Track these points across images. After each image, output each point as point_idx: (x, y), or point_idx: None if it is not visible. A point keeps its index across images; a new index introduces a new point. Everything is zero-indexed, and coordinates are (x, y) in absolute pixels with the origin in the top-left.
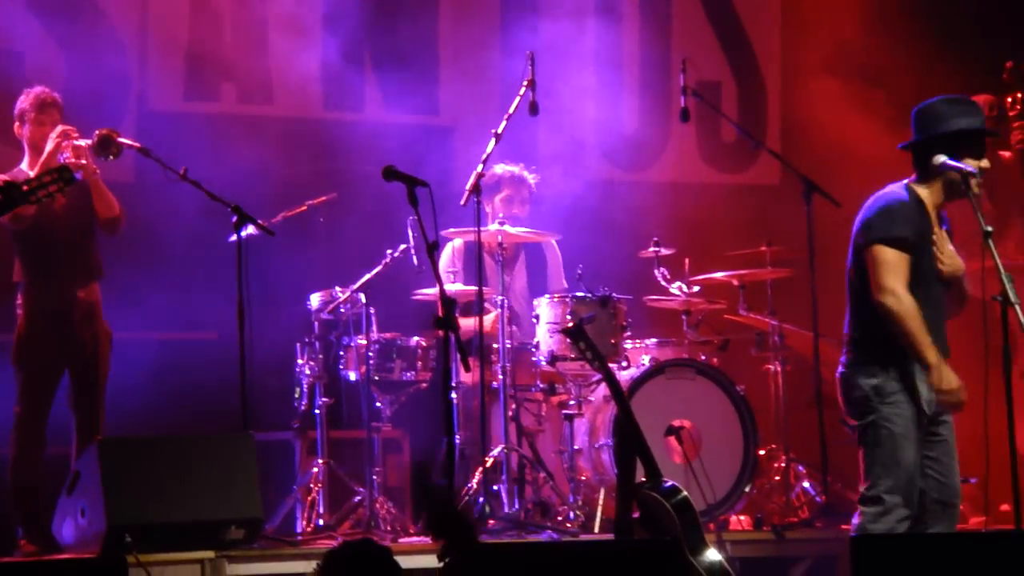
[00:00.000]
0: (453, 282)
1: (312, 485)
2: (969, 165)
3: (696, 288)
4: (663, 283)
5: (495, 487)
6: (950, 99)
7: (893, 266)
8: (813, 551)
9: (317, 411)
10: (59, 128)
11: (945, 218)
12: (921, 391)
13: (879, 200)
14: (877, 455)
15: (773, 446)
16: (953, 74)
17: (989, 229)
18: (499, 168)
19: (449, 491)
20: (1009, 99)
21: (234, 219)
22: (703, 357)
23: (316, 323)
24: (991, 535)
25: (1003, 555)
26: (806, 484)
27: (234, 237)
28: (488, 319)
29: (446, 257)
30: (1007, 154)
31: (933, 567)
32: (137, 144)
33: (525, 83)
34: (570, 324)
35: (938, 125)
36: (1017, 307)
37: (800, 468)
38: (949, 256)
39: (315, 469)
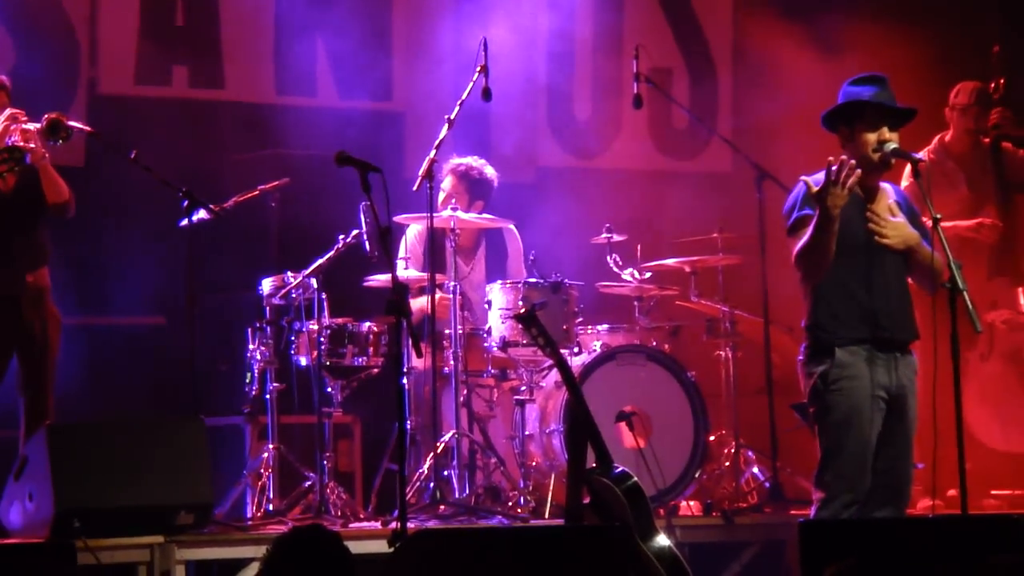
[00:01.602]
0: (407, 268)
1: (262, 470)
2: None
3: (648, 274)
4: (615, 269)
5: (446, 472)
6: (857, 76)
7: (797, 239)
8: (762, 536)
9: (268, 396)
10: (7, 111)
11: (896, 191)
12: (866, 372)
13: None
14: (824, 442)
15: (723, 432)
16: (935, 59)
17: (938, 216)
18: (451, 161)
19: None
20: (993, 84)
21: (185, 204)
22: (654, 343)
23: (267, 308)
24: (939, 520)
25: (950, 540)
26: (755, 470)
27: (185, 221)
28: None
29: (403, 243)
30: (986, 140)
31: (881, 552)
32: (87, 128)
33: (478, 69)
34: (522, 310)
35: (838, 100)
36: (965, 294)
37: (750, 454)
38: (892, 228)
39: (265, 454)
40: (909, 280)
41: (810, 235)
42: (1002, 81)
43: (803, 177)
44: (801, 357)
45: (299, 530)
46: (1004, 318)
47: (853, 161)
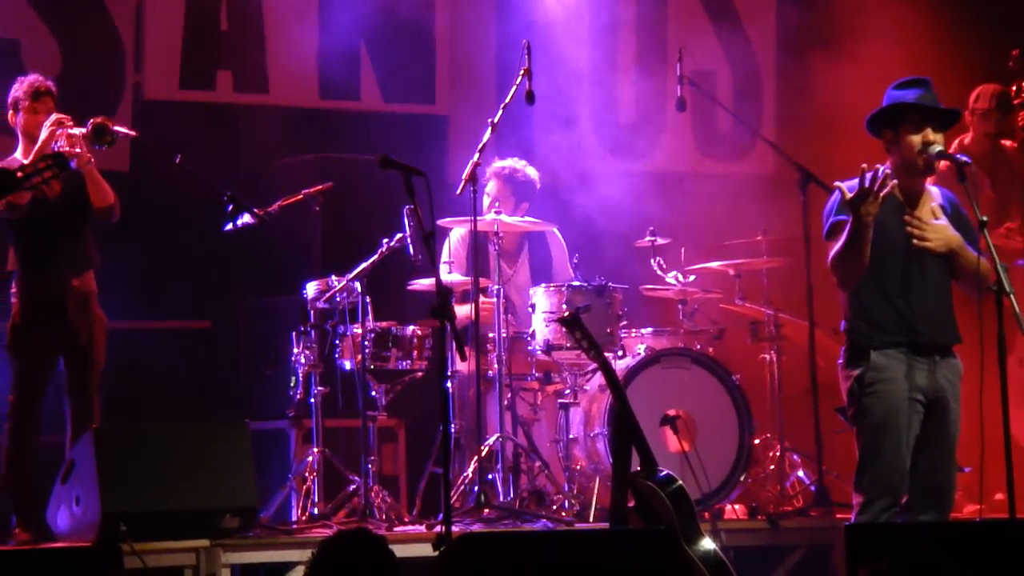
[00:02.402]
0: (451, 272)
1: (307, 474)
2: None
3: (692, 277)
4: (659, 272)
5: (490, 476)
6: (901, 81)
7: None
8: (807, 540)
9: (312, 400)
10: (53, 116)
11: (943, 195)
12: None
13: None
14: (861, 445)
15: (768, 435)
16: (959, 62)
17: (984, 219)
18: (495, 163)
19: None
20: (1014, 87)
21: (229, 208)
22: (699, 346)
23: (312, 312)
24: (985, 524)
25: (997, 544)
26: (800, 473)
27: (230, 226)
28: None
29: (446, 246)
30: (1009, 142)
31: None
32: (132, 132)
33: (522, 72)
34: (566, 313)
35: (882, 104)
36: (1012, 296)
37: (795, 457)
38: (933, 231)
39: (310, 458)
40: (954, 284)
41: (844, 242)
42: (1023, 83)
43: (837, 183)
44: (840, 360)
45: (344, 534)
46: None
47: (888, 169)
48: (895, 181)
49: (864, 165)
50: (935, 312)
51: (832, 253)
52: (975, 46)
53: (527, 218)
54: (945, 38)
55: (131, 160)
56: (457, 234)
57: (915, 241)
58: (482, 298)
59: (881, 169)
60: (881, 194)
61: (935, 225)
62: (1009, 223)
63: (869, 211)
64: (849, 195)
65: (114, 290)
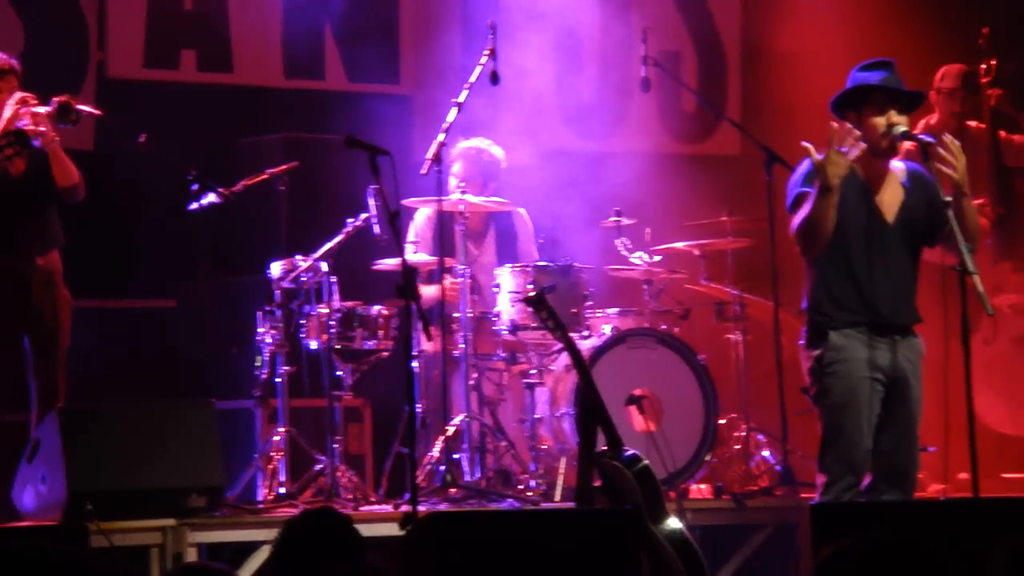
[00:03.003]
0: (417, 252)
1: (273, 453)
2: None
3: (657, 258)
4: (624, 252)
5: (456, 456)
6: (866, 62)
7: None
8: (772, 519)
9: (278, 380)
10: (17, 95)
11: (908, 169)
12: (862, 355)
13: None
14: (823, 425)
15: (734, 415)
16: (928, 41)
17: (949, 199)
18: (460, 143)
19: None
20: (984, 66)
21: (194, 187)
22: (664, 327)
23: (277, 292)
24: (949, 503)
25: (961, 523)
26: (766, 453)
27: (194, 205)
28: (447, 284)
29: (412, 227)
30: (975, 123)
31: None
32: (96, 111)
33: (486, 52)
34: (532, 293)
35: (847, 85)
36: (975, 277)
37: (760, 437)
38: (961, 159)
39: (276, 437)
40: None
41: (810, 205)
42: (993, 62)
43: (805, 143)
44: (802, 341)
45: (310, 513)
46: (1011, 302)
47: (851, 126)
48: (863, 145)
49: (834, 124)
50: (897, 292)
51: (797, 219)
52: (945, 25)
53: (493, 198)
54: (914, 17)
55: (95, 139)
56: (423, 214)
57: (940, 165)
58: (448, 278)
59: (849, 127)
60: (849, 150)
61: (964, 159)
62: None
63: (837, 171)
64: (817, 157)
65: (79, 269)
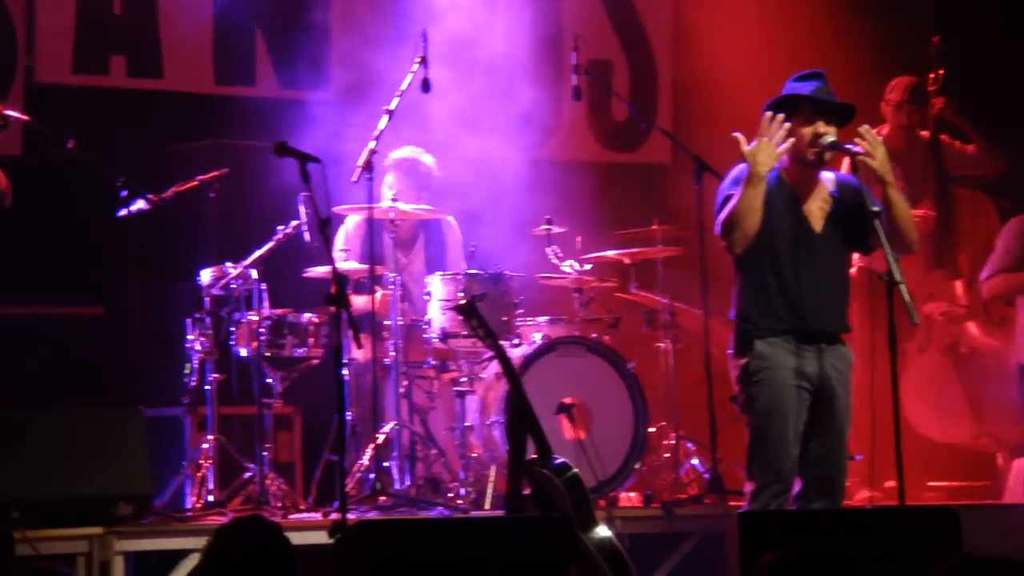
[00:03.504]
0: (347, 260)
1: (202, 461)
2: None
3: (588, 266)
4: (555, 261)
5: (386, 463)
6: (800, 73)
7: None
8: (701, 527)
9: (207, 387)
10: None
11: (837, 180)
12: (788, 363)
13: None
14: (750, 433)
15: (663, 423)
16: (874, 51)
17: (876, 209)
18: (393, 154)
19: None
20: (932, 75)
21: (123, 193)
22: (594, 335)
23: (207, 299)
24: (876, 511)
25: (888, 531)
26: (695, 461)
27: (124, 212)
28: (379, 297)
29: (342, 234)
30: (925, 133)
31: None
32: (24, 116)
33: (417, 60)
34: (462, 301)
35: (779, 95)
36: (903, 286)
37: (689, 445)
38: (880, 150)
39: (205, 445)
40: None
41: (738, 196)
42: (941, 72)
43: (736, 133)
44: (730, 350)
45: (239, 521)
46: (942, 310)
47: (783, 117)
48: (792, 140)
49: (768, 113)
50: (824, 302)
51: (724, 213)
52: (896, 36)
53: (423, 206)
54: (848, 27)
55: (23, 144)
56: (352, 221)
57: (862, 157)
58: (379, 289)
59: (778, 116)
60: (778, 140)
61: (883, 148)
62: (918, 211)
63: (766, 161)
64: (747, 147)
65: (5, 275)
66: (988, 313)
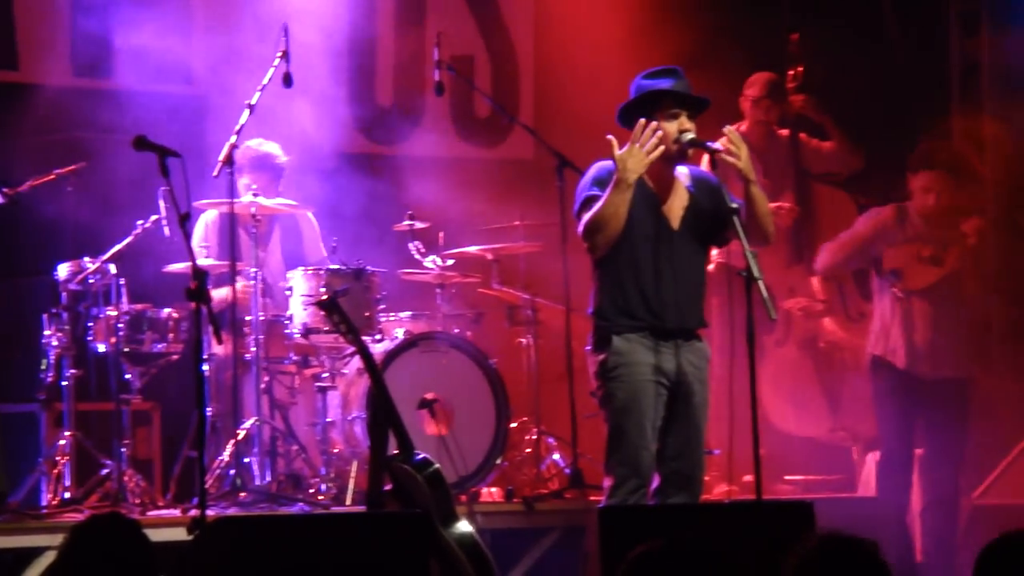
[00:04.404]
0: (206, 256)
1: (58, 458)
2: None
3: (450, 262)
4: (417, 256)
5: (246, 460)
6: (651, 70)
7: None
8: (562, 522)
9: (64, 383)
10: None
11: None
12: (645, 359)
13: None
14: (608, 428)
15: (524, 419)
16: (741, 48)
17: (735, 206)
18: (249, 144)
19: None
20: (791, 72)
21: None
22: (456, 330)
23: (64, 294)
24: (733, 505)
25: (745, 525)
26: (556, 456)
27: None
28: (239, 287)
29: (199, 230)
30: (784, 131)
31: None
32: None
33: (279, 54)
34: (324, 297)
35: (632, 92)
36: (761, 282)
37: (551, 440)
38: (744, 150)
39: (62, 442)
40: (709, 268)
41: (603, 200)
42: (800, 69)
43: (609, 136)
44: (588, 347)
45: (97, 518)
46: (801, 305)
47: (656, 124)
48: (662, 148)
49: (642, 120)
50: (683, 298)
51: (588, 216)
52: (759, 32)
53: (282, 200)
54: (723, 23)
55: None
56: (210, 217)
57: (724, 155)
58: (240, 280)
59: (650, 122)
60: (649, 156)
61: (746, 149)
62: (781, 203)
63: (635, 167)
64: (619, 151)
65: None
66: (846, 308)
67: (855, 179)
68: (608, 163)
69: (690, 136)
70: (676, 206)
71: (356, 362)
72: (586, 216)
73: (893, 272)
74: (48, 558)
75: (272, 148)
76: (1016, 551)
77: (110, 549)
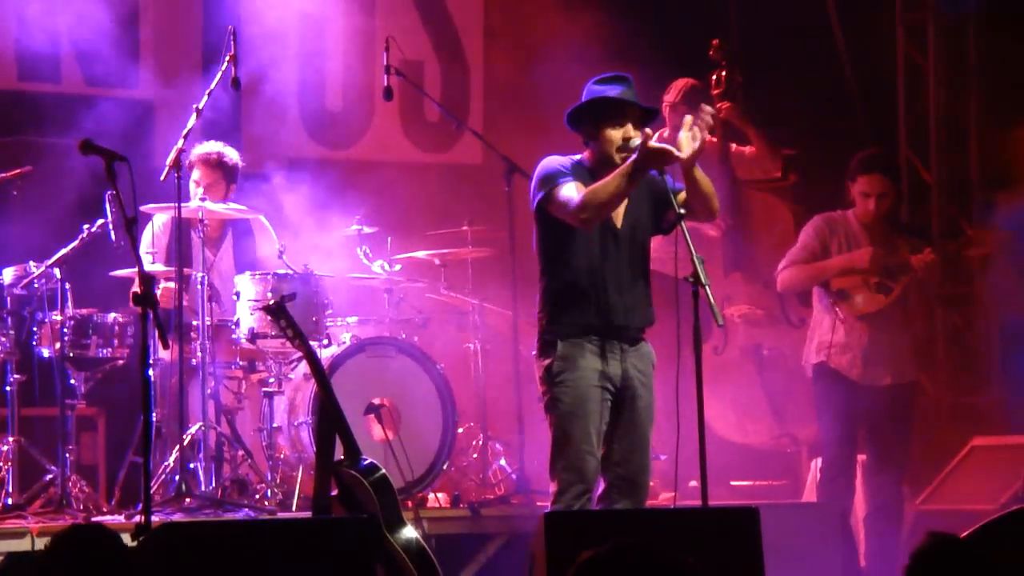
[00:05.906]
0: (154, 262)
1: (1, 463)
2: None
3: (398, 267)
4: (365, 261)
5: (192, 465)
6: (602, 76)
7: (566, 191)
8: (508, 528)
9: (8, 388)
10: None
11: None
12: (591, 364)
13: (538, 167)
14: (553, 434)
15: (471, 424)
16: (668, 54)
17: (682, 212)
18: (205, 144)
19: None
20: (714, 77)
21: None
22: (404, 335)
23: (8, 298)
24: (679, 511)
25: (690, 530)
26: (503, 461)
27: None
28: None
29: (148, 235)
30: (712, 138)
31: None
32: None
33: (227, 58)
34: (271, 301)
35: (581, 98)
36: (708, 288)
37: (497, 446)
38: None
39: (5, 447)
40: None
41: (615, 181)
42: (723, 74)
43: (647, 130)
44: (534, 351)
45: (77, 528)
46: (741, 312)
47: (649, 131)
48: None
49: (648, 131)
50: (628, 302)
51: (595, 186)
52: (682, 37)
53: (233, 205)
54: (653, 31)
55: None
56: (159, 220)
57: (689, 142)
58: (161, 282)
59: (648, 132)
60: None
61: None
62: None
63: (655, 165)
64: (653, 143)
65: None
66: (787, 315)
67: (793, 186)
68: (560, 158)
69: (636, 143)
70: (618, 208)
71: (303, 367)
72: (593, 186)
73: (840, 292)
74: None
75: (225, 148)
76: (945, 552)
77: (89, 560)
